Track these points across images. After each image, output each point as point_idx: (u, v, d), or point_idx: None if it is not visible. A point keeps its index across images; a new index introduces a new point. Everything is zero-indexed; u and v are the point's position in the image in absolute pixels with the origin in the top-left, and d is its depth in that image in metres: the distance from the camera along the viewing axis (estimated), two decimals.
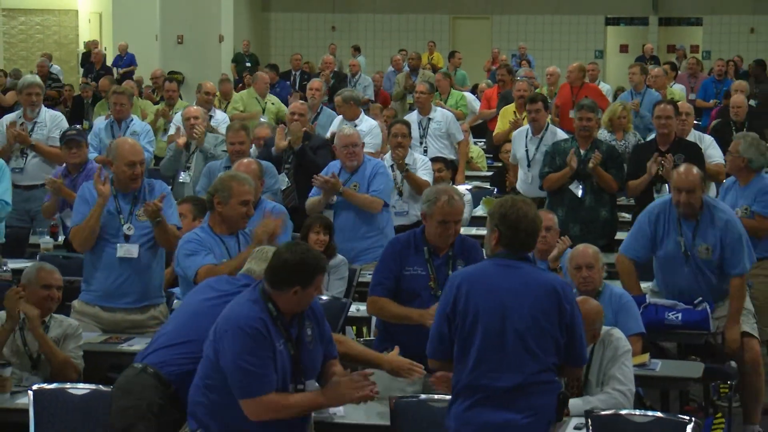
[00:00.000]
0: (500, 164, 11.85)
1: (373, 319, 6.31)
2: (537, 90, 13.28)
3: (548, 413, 4.59)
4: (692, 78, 17.54)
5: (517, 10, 27.90)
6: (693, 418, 5.03)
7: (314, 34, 28.37)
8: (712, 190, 9.00)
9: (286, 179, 9.28)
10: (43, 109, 9.88)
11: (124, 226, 6.64)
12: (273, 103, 13.79)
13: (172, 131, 11.40)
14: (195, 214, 7.19)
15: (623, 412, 5.13)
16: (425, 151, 11.05)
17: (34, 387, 5.47)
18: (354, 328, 7.68)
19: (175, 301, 6.95)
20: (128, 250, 6.63)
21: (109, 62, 22.71)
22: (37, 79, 10.40)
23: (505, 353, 4.55)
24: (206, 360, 4.74)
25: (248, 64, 21.68)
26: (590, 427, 5.03)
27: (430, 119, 11.55)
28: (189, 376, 4.93)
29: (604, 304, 5.99)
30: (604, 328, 5.72)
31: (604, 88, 16.92)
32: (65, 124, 9.89)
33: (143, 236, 6.65)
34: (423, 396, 5.40)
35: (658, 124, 9.15)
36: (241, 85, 18.23)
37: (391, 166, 9.27)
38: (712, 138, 9.83)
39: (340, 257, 7.62)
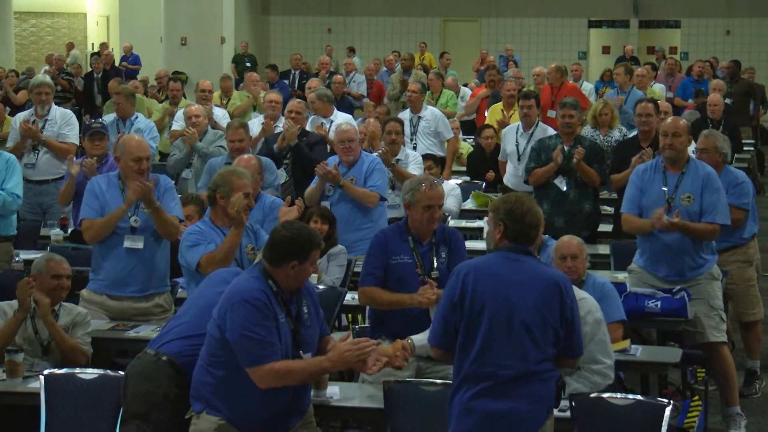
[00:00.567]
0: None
1: (368, 308, 6.31)
2: (524, 89, 13.29)
3: (548, 400, 4.58)
4: (670, 78, 17.58)
5: (505, 13, 27.91)
6: (671, 401, 5.04)
7: (311, 36, 28.37)
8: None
9: (285, 174, 9.29)
10: (54, 107, 9.88)
11: (130, 219, 6.66)
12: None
13: (175, 127, 11.41)
14: (200, 214, 7.28)
15: (605, 395, 5.14)
16: (414, 148, 11.09)
17: (45, 372, 5.47)
18: (349, 316, 7.68)
19: (180, 290, 6.96)
20: (135, 241, 6.65)
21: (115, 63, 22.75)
22: (47, 79, 10.40)
23: (510, 343, 4.52)
24: (210, 339, 4.71)
25: (248, 65, 21.67)
26: (573, 410, 5.04)
27: (420, 117, 11.60)
28: None
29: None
30: (579, 293, 5.71)
31: (587, 87, 16.95)
32: (75, 122, 9.90)
33: (149, 228, 6.67)
34: (415, 380, 5.40)
35: (639, 122, 9.18)
36: (242, 84, 18.25)
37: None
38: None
39: (340, 246, 7.65)
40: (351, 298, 7.14)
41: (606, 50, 28.19)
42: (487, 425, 4.52)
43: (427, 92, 14.18)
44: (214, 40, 20.62)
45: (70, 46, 23.27)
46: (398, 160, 9.54)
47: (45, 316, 5.88)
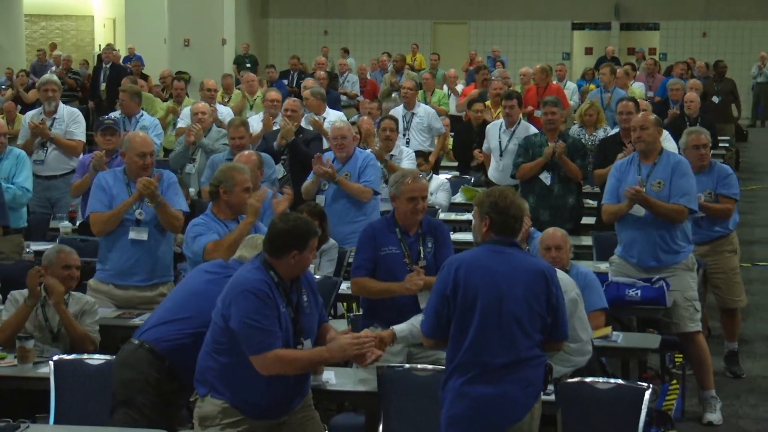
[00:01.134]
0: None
1: (361, 297, 6.32)
2: (510, 88, 13.30)
3: (537, 385, 4.61)
4: (650, 77, 17.56)
5: (492, 16, 27.91)
6: (651, 385, 5.05)
7: (308, 38, 28.33)
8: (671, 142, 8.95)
9: (282, 169, 9.28)
10: (61, 105, 9.88)
11: (135, 212, 6.66)
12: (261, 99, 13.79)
13: (180, 125, 11.39)
14: None
15: (588, 379, 5.14)
16: (407, 143, 11.09)
17: (55, 358, 5.46)
18: (344, 304, 7.69)
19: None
20: (139, 233, 6.65)
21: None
22: (54, 77, 10.39)
23: (501, 333, 4.53)
24: (214, 326, 4.70)
25: (248, 65, 21.63)
26: (558, 393, 5.04)
27: (413, 114, 11.63)
28: (182, 350, 4.94)
29: None
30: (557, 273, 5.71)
31: (570, 86, 16.95)
32: (81, 120, 9.90)
33: (153, 221, 6.68)
34: (407, 365, 5.41)
35: (620, 119, 9.22)
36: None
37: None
38: (667, 132, 9.84)
39: (331, 241, 7.61)
40: (346, 287, 7.14)
41: (589, 51, 28.21)
42: (479, 409, 4.53)
43: (420, 91, 14.19)
44: (216, 41, 20.61)
45: (53, 47, 23.15)
46: (392, 155, 9.55)
47: (58, 304, 5.88)
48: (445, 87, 15.74)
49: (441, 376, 4.72)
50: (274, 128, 9.96)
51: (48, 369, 5.40)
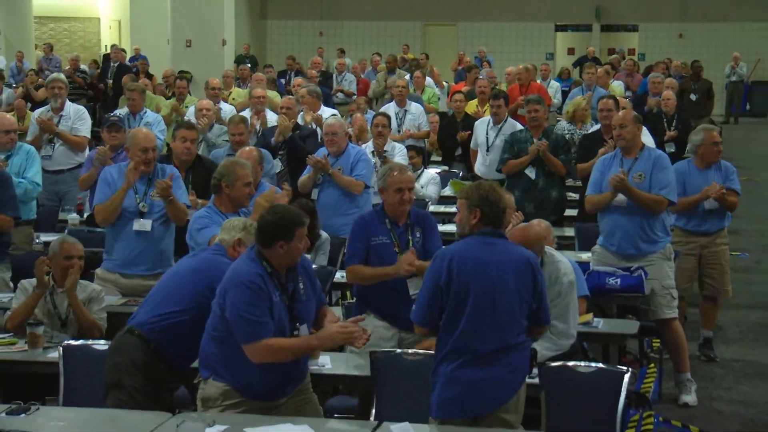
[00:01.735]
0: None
1: (354, 286, 6.31)
2: (496, 87, 13.30)
3: (524, 368, 4.64)
4: (629, 77, 17.57)
5: (480, 18, 27.92)
6: (630, 369, 5.04)
7: (305, 39, 28.29)
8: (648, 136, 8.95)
9: (280, 164, 9.27)
10: (68, 103, 9.89)
11: (139, 204, 6.65)
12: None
13: None
14: None
15: (570, 363, 5.14)
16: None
17: (64, 343, 5.45)
18: (340, 293, 7.68)
19: None
20: (143, 225, 6.66)
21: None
22: (61, 75, 10.40)
23: (492, 322, 4.54)
24: (213, 315, 4.71)
25: (248, 65, 21.59)
26: (542, 377, 5.04)
27: (406, 111, 11.66)
28: (164, 331, 4.95)
29: None
30: (550, 251, 5.71)
31: (554, 85, 16.94)
32: (87, 117, 9.94)
33: (156, 213, 6.69)
34: (398, 350, 5.41)
35: (600, 116, 9.23)
36: (249, 84, 18.20)
37: (372, 152, 9.32)
38: (645, 128, 9.84)
39: (324, 236, 7.57)
40: (341, 276, 7.13)
41: (571, 51, 28.22)
42: (470, 392, 4.55)
43: (410, 89, 14.18)
44: (216, 42, 20.57)
45: (47, 48, 23.10)
46: (385, 151, 9.54)
47: (70, 291, 5.87)
48: (436, 88, 15.70)
49: (431, 361, 4.73)
50: (270, 125, 9.97)
51: (57, 354, 5.38)
